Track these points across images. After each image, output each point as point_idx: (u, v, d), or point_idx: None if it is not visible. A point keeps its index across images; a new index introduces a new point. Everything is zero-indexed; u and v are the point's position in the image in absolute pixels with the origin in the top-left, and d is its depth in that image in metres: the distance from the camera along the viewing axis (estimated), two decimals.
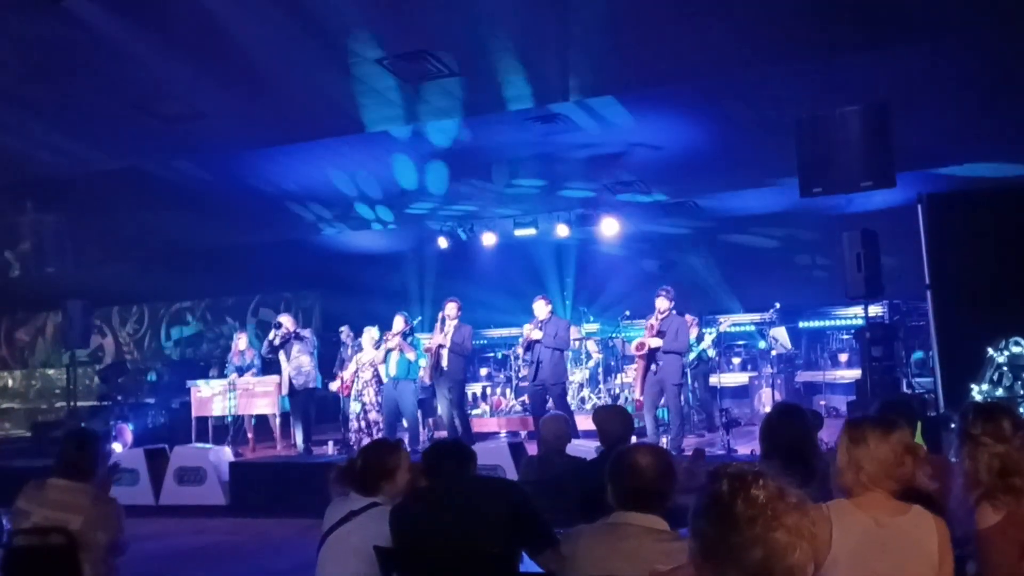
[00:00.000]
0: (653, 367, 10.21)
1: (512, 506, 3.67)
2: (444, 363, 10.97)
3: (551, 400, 10.65)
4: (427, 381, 11.48)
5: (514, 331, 15.36)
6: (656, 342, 10.13)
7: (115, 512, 4.44)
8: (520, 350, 11.28)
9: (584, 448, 8.12)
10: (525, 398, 13.19)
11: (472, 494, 3.75)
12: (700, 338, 12.73)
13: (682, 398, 10.93)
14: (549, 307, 10.94)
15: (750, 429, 11.78)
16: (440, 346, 10.97)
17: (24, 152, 10.94)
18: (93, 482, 4.45)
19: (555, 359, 10.71)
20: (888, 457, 2.98)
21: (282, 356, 11.76)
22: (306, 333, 12.00)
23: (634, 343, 10.85)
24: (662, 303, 10.28)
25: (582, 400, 13.19)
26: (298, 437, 11.66)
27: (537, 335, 10.70)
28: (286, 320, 11.93)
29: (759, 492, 1.68)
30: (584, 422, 10.59)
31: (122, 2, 7.86)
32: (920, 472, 3.12)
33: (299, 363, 11.57)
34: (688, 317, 12.85)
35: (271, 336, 11.78)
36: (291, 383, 11.60)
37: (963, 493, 3.34)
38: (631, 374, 12.37)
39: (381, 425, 11.05)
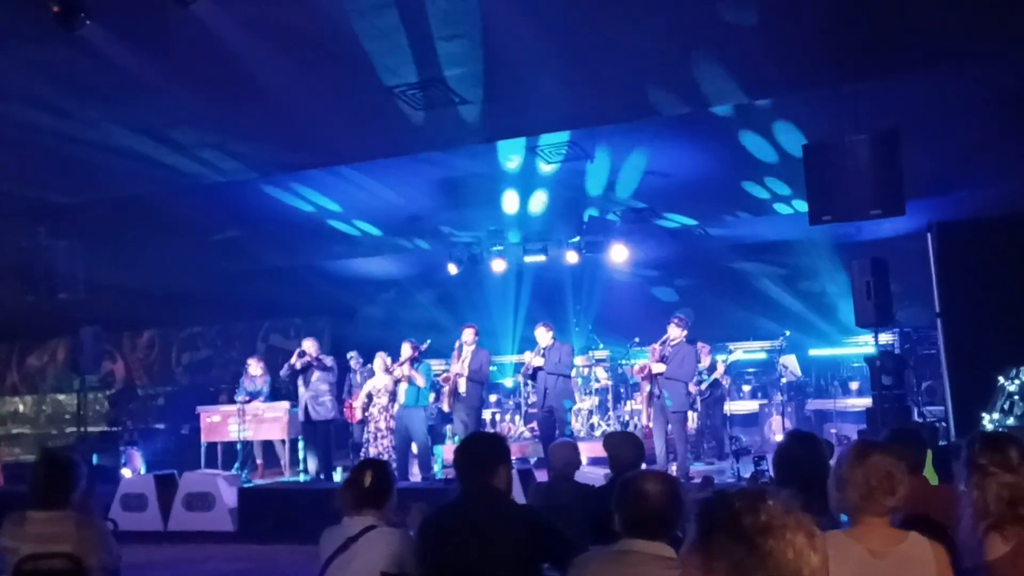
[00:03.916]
0: (656, 391, 10.22)
1: (532, 530, 3.71)
2: (462, 390, 10.97)
3: (557, 424, 10.67)
4: (446, 409, 11.45)
5: (524, 357, 15.36)
6: (659, 367, 10.14)
7: (101, 534, 4.31)
8: (521, 379, 11.30)
9: (593, 475, 8.11)
10: (534, 424, 13.18)
11: (495, 519, 3.74)
12: (712, 366, 12.71)
13: (690, 425, 10.89)
14: (550, 333, 10.97)
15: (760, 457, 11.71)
16: (457, 375, 10.98)
17: (37, 178, 11.02)
18: (72, 507, 4.26)
19: (560, 384, 10.74)
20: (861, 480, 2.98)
21: (300, 382, 11.69)
22: (328, 361, 11.85)
23: (636, 365, 10.86)
24: (673, 330, 10.27)
25: (591, 427, 13.17)
26: (311, 465, 11.62)
27: (539, 362, 10.74)
28: (309, 345, 11.80)
29: (772, 502, 1.70)
30: (593, 448, 10.57)
31: (136, 31, 7.93)
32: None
33: (317, 391, 11.49)
34: (700, 345, 12.84)
35: (292, 360, 11.71)
36: (307, 411, 11.54)
37: (972, 523, 3.31)
38: (640, 400, 12.37)
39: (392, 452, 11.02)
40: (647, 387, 10.54)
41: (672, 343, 10.24)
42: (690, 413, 12.71)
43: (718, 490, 1.80)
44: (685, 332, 10.33)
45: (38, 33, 7.93)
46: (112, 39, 8.03)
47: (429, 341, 11.21)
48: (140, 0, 7.59)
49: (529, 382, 11.36)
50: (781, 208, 12.62)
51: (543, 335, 10.91)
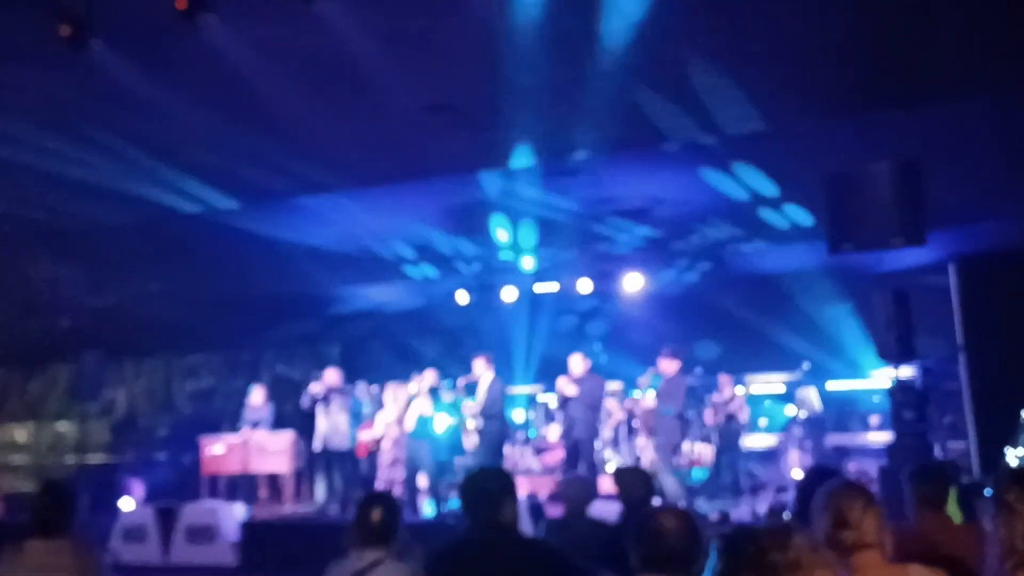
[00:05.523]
0: (653, 428, 10.07)
1: (540, 563, 3.70)
2: (479, 427, 10.71)
3: (583, 458, 10.38)
4: (468, 448, 11.22)
5: (534, 388, 15.14)
6: (648, 403, 9.97)
7: (98, 564, 4.26)
8: (554, 405, 11.06)
9: (607, 511, 7.86)
10: (545, 458, 12.92)
11: (503, 553, 3.71)
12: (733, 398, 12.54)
13: (708, 460, 10.61)
14: (587, 363, 10.67)
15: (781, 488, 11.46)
16: (475, 417, 10.74)
17: (42, 203, 10.95)
18: (71, 537, 4.23)
19: (588, 418, 10.44)
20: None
21: (320, 412, 11.35)
22: (349, 389, 11.60)
23: (624, 406, 10.70)
24: (664, 364, 10.10)
25: (602, 461, 12.89)
26: (319, 494, 11.32)
27: (572, 391, 10.43)
28: (332, 374, 11.47)
29: (799, 539, 1.71)
30: (604, 483, 10.31)
31: (145, 53, 7.84)
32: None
33: (336, 422, 11.16)
34: (722, 375, 12.63)
35: (316, 389, 11.35)
36: (325, 442, 11.22)
37: (998, 562, 3.16)
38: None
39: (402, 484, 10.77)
40: (642, 425, 10.37)
41: (668, 377, 10.05)
42: (708, 447, 12.42)
43: (742, 525, 1.75)
44: (677, 362, 10.12)
45: (45, 55, 7.87)
46: (121, 62, 7.96)
47: (449, 379, 10.95)
48: (149, 22, 7.51)
49: (555, 410, 11.08)
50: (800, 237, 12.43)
51: (577, 363, 10.61)
